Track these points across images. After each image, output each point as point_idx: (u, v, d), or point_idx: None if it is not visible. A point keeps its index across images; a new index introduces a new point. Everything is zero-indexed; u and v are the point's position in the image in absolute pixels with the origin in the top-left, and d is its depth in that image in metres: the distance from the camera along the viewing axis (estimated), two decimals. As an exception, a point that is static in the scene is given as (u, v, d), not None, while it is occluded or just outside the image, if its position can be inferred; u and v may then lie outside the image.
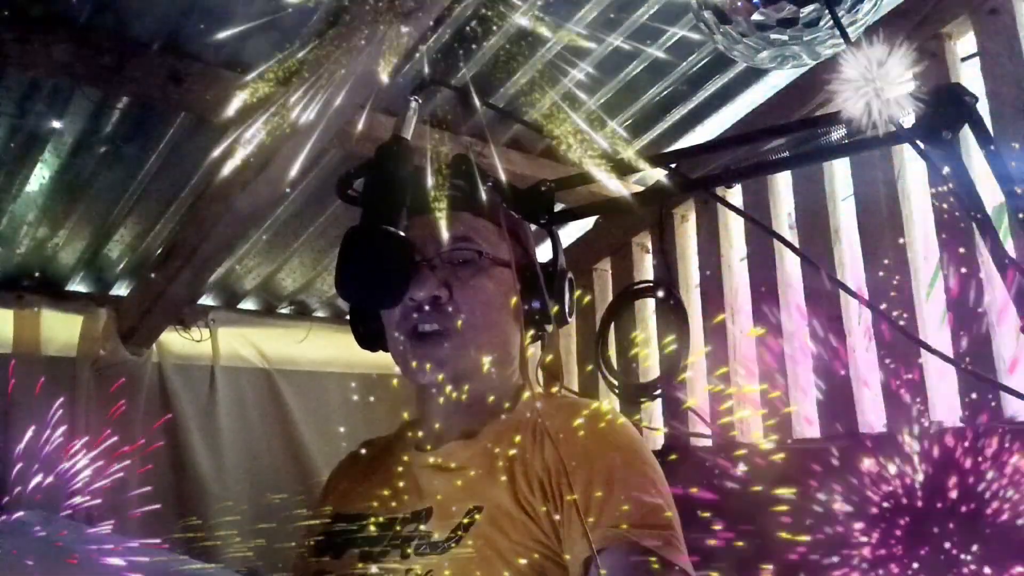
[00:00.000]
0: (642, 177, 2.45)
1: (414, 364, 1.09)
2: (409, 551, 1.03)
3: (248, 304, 2.55)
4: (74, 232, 2.05)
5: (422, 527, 1.05)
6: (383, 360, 1.24)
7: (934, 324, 1.92)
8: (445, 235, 1.09)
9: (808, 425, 2.05)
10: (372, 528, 1.08)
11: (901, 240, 1.89)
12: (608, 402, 2.41)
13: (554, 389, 1.23)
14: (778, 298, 2.13)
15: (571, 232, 2.63)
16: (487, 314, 1.09)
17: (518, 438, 1.06)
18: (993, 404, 1.67)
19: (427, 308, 1.08)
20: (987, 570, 1.60)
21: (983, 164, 0.81)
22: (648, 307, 2.48)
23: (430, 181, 1.01)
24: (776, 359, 2.09)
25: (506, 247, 1.12)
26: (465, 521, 1.01)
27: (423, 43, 1.73)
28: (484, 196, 1.04)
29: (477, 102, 1.91)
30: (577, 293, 1.20)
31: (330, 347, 2.58)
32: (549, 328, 1.16)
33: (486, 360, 1.10)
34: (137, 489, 2.08)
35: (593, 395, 2.50)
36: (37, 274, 2.13)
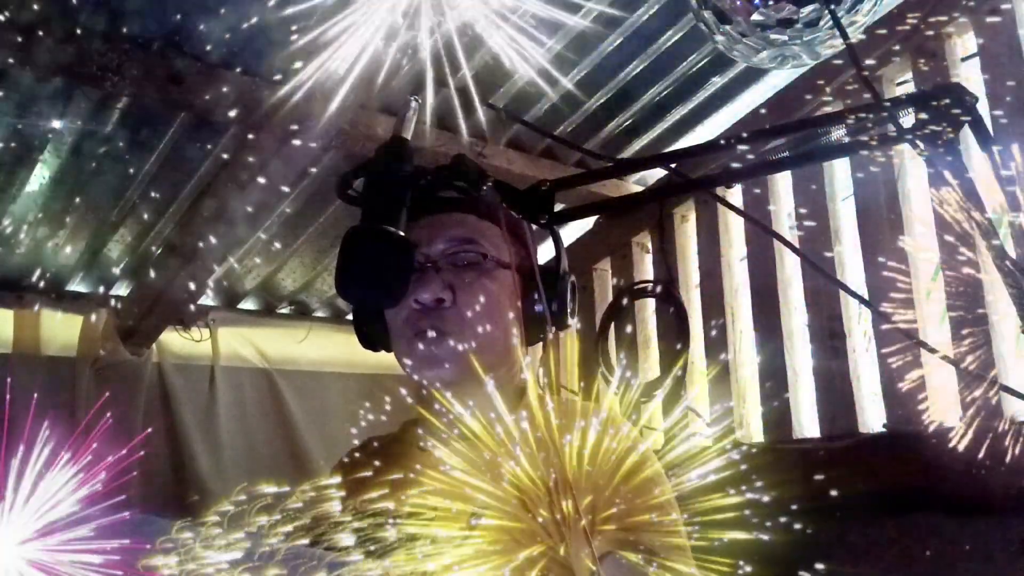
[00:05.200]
0: (642, 177, 2.46)
1: (417, 365, 1.09)
2: (414, 550, 1.03)
3: (248, 304, 2.55)
4: (74, 232, 2.05)
5: (427, 527, 1.05)
6: (383, 360, 1.24)
7: (934, 324, 1.92)
8: (450, 236, 1.10)
9: (808, 425, 2.05)
10: (375, 527, 1.08)
11: (901, 240, 1.89)
12: (608, 402, 2.41)
13: (554, 390, 1.23)
14: (778, 298, 2.13)
15: (571, 232, 2.63)
16: (491, 316, 1.10)
17: (522, 439, 1.06)
18: (993, 404, 1.67)
19: (431, 310, 1.08)
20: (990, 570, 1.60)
21: (983, 164, 0.81)
22: (648, 307, 2.47)
23: (431, 183, 1.01)
24: (777, 359, 2.09)
25: (511, 249, 1.13)
26: (471, 522, 1.02)
27: (423, 43, 1.73)
28: (486, 197, 1.04)
29: (477, 102, 1.91)
30: (574, 294, 1.20)
31: (330, 347, 2.57)
32: (552, 332, 1.16)
33: (489, 362, 1.10)
34: (137, 489, 2.08)
35: (593, 395, 2.49)
36: (37, 274, 2.13)
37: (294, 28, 1.60)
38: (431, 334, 1.08)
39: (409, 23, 1.41)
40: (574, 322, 1.20)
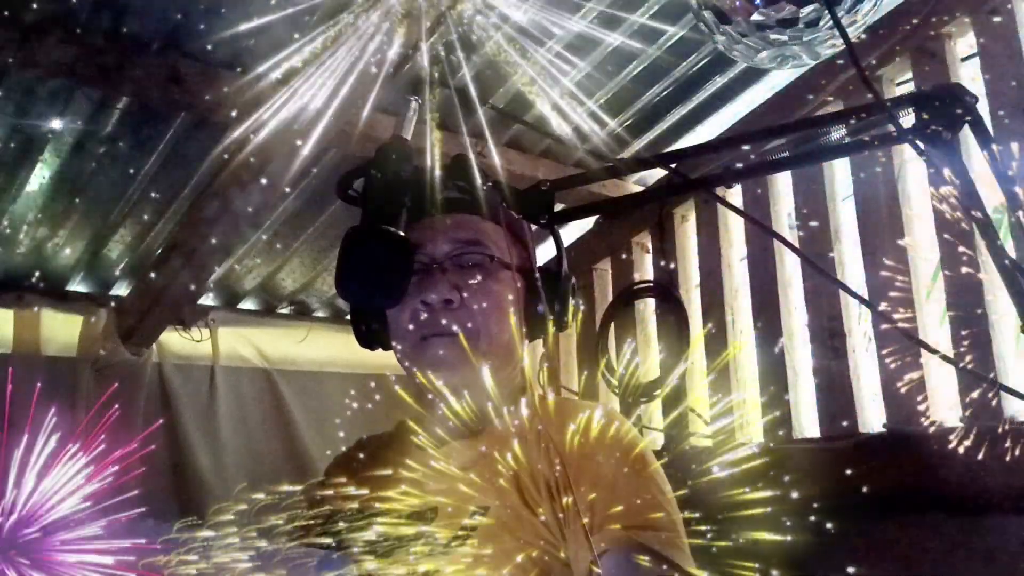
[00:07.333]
0: (642, 177, 2.46)
1: (423, 366, 1.09)
2: (415, 550, 1.03)
3: (248, 304, 2.55)
4: (74, 232, 2.05)
5: (428, 527, 1.05)
6: (383, 360, 1.24)
7: (934, 324, 1.92)
8: (455, 238, 1.10)
9: (808, 425, 2.05)
10: (372, 526, 1.08)
11: (901, 240, 1.89)
12: (608, 402, 2.41)
13: (553, 390, 1.24)
14: (778, 298, 2.13)
15: (571, 232, 2.63)
16: (497, 317, 1.10)
17: (521, 439, 1.06)
18: (993, 404, 1.67)
19: (437, 311, 1.08)
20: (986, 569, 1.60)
21: (983, 164, 0.81)
22: (648, 307, 2.47)
23: (436, 183, 1.01)
24: (776, 359, 2.09)
25: (514, 251, 1.13)
26: (471, 521, 1.02)
27: (423, 43, 1.73)
28: (489, 198, 1.04)
29: (477, 102, 1.91)
30: (573, 301, 1.20)
31: (330, 347, 2.57)
32: (552, 332, 1.16)
33: (493, 362, 1.10)
34: (136, 489, 2.08)
35: (593, 395, 2.50)
36: (37, 274, 2.13)
37: (295, 28, 1.61)
38: (437, 333, 1.08)
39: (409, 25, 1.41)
40: (574, 323, 1.20)
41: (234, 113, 1.61)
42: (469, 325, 1.08)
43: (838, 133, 0.90)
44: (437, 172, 1.01)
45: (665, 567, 0.92)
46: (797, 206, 2.15)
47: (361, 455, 1.26)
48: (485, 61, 1.85)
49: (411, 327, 1.09)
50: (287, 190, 2.00)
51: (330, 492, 1.22)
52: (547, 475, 1.01)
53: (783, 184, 2.20)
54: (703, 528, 1.05)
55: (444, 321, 1.08)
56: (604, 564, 0.92)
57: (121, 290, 2.28)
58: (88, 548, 0.78)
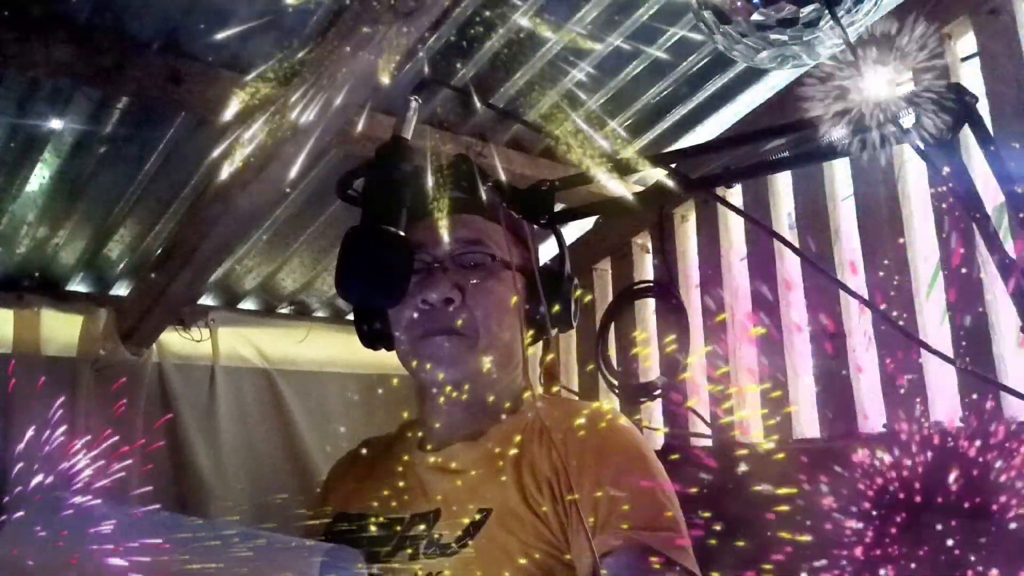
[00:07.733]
0: (642, 177, 2.46)
1: (424, 365, 1.10)
2: (417, 552, 1.03)
3: (248, 304, 2.55)
4: (74, 232, 2.05)
5: (430, 528, 1.05)
6: (383, 360, 1.24)
7: (934, 324, 1.92)
8: (457, 237, 1.10)
9: (808, 425, 2.05)
10: (377, 528, 1.08)
11: (901, 240, 1.89)
12: (608, 402, 2.41)
13: (554, 389, 1.24)
14: (778, 298, 2.13)
15: (571, 232, 2.63)
16: (498, 317, 1.10)
17: (523, 439, 1.07)
18: (993, 404, 1.67)
19: (439, 310, 1.08)
20: (990, 572, 1.60)
21: (983, 164, 0.81)
22: (648, 307, 2.48)
23: (437, 183, 1.01)
24: (776, 359, 2.09)
25: (515, 251, 1.13)
26: (474, 522, 1.02)
27: (423, 43, 1.73)
28: (491, 198, 1.05)
29: (477, 102, 1.91)
30: (577, 294, 1.20)
31: (330, 347, 2.57)
32: (555, 332, 1.17)
33: (494, 362, 1.11)
34: (137, 489, 2.08)
35: (593, 395, 2.50)
36: (37, 274, 2.13)
37: (295, 28, 1.61)
38: (438, 332, 1.08)
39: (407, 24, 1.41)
40: (575, 323, 1.21)
41: (235, 113, 1.61)
42: (470, 323, 1.08)
43: (838, 133, 0.90)
44: (438, 172, 1.02)
45: (668, 567, 0.93)
46: (797, 206, 2.15)
47: (363, 457, 1.26)
48: (485, 61, 1.85)
49: (413, 324, 1.10)
50: (287, 190, 2.00)
51: (334, 493, 1.23)
52: (549, 475, 1.01)
53: (783, 184, 2.20)
54: (717, 528, 1.05)
55: (444, 321, 1.08)
56: (608, 565, 0.93)
57: (121, 290, 2.28)
58: (94, 548, 0.78)
